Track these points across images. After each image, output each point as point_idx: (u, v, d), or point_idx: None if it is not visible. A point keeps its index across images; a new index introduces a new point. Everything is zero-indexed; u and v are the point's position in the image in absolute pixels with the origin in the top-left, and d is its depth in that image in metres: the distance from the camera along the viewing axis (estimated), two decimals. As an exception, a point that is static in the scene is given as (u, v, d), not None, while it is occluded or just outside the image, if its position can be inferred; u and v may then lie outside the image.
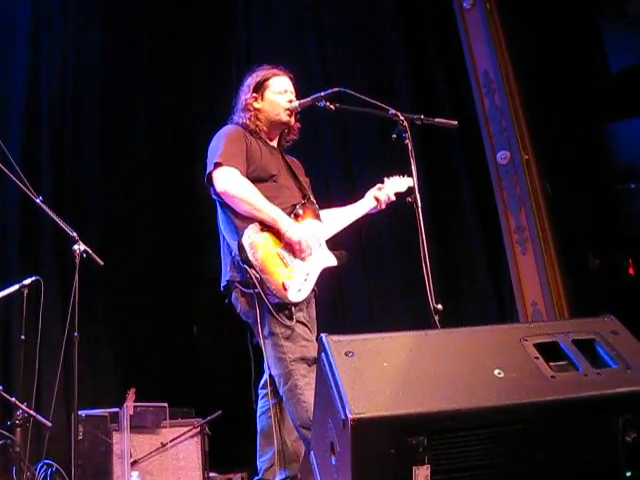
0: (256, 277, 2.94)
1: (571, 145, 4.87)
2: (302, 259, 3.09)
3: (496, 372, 1.91)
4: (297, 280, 3.03)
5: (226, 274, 3.17)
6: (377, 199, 3.57)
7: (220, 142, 3.24)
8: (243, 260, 2.97)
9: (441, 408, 1.81)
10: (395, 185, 3.59)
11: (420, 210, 2.94)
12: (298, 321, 3.03)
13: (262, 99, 3.41)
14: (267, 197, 3.11)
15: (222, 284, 3.20)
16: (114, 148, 6.42)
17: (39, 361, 4.62)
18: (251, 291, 2.99)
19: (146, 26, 6.78)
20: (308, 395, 2.92)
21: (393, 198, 3.59)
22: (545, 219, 4.70)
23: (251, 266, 2.95)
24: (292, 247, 3.08)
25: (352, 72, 5.62)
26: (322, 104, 3.29)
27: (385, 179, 3.63)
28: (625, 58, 4.91)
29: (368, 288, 5.36)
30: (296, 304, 3.02)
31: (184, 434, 4.89)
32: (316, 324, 3.28)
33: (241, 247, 2.98)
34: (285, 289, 2.96)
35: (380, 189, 3.60)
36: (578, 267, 4.78)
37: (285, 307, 3.00)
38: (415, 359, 1.92)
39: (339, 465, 1.83)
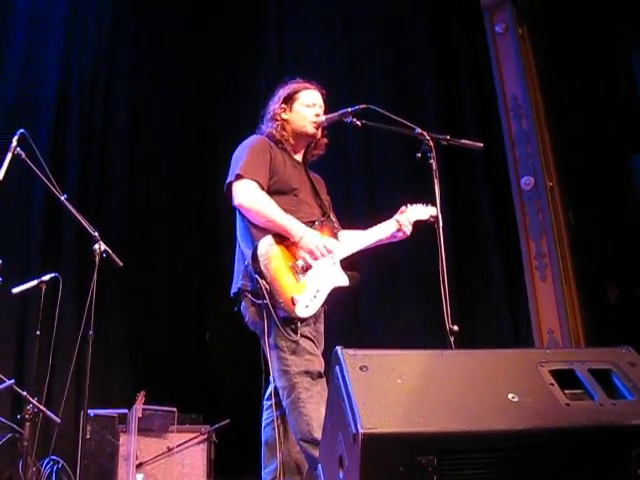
0: (266, 288, 2.93)
1: (596, 174, 4.84)
2: (311, 266, 3.08)
3: (510, 396, 1.89)
4: (306, 296, 3.03)
5: (237, 282, 3.18)
6: (398, 222, 3.49)
7: (244, 152, 3.24)
8: (255, 270, 2.97)
9: (453, 429, 1.79)
10: (417, 212, 3.49)
11: (441, 230, 2.94)
12: (303, 335, 3.02)
13: (290, 110, 3.41)
14: (285, 210, 3.12)
15: (233, 291, 3.21)
16: (140, 151, 6.49)
17: (52, 357, 4.66)
18: (260, 302, 2.99)
19: (177, 25, 6.86)
20: (310, 409, 2.93)
21: (412, 222, 3.48)
22: (566, 247, 4.67)
23: (262, 277, 2.95)
24: (308, 257, 3.07)
25: (380, 90, 5.64)
26: (349, 120, 3.27)
27: (408, 205, 3.54)
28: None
29: (384, 306, 5.35)
30: (302, 320, 3.01)
31: (191, 440, 4.90)
32: (324, 339, 3.27)
33: (255, 257, 2.98)
34: (293, 303, 2.96)
35: (402, 212, 3.53)
36: (597, 297, 4.74)
37: (291, 321, 2.99)
38: (429, 378, 1.91)
39: (347, 479, 1.83)
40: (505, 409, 1.86)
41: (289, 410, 3.01)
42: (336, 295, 3.18)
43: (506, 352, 2.10)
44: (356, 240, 3.41)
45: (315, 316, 3.13)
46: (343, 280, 3.22)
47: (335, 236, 3.32)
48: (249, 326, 3.18)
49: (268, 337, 3.02)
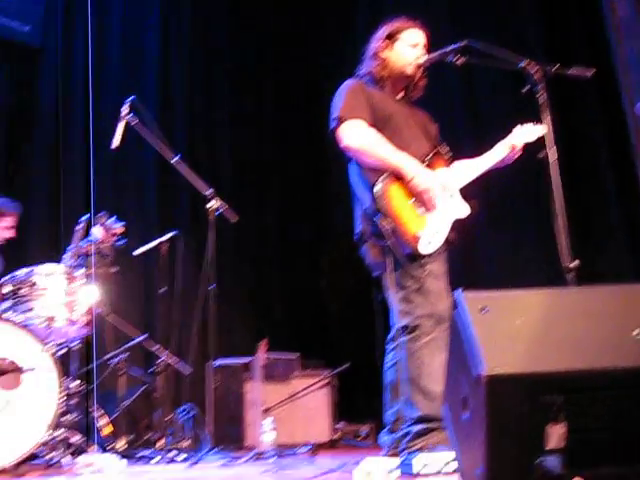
0: (389, 228, 2.94)
1: None
2: (427, 209, 3.07)
3: (635, 332, 1.86)
4: (428, 231, 3.01)
5: (357, 226, 3.20)
6: (512, 145, 3.42)
7: (341, 97, 3.23)
8: (377, 211, 2.96)
9: (576, 367, 1.78)
10: (525, 135, 3.42)
11: (554, 165, 2.84)
12: (430, 274, 3.02)
13: (391, 49, 3.36)
14: (395, 146, 3.09)
15: (355, 237, 3.23)
16: (245, 103, 6.59)
17: (180, 312, 4.86)
18: (383, 242, 3.00)
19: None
20: (424, 353, 2.95)
21: (519, 148, 3.42)
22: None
23: (384, 216, 2.95)
24: (419, 196, 3.06)
25: (481, 20, 5.44)
26: (450, 58, 3.20)
27: (517, 127, 3.45)
28: None
29: (497, 244, 5.24)
30: (426, 256, 3.00)
31: (313, 385, 5.04)
32: (447, 280, 3.22)
33: (374, 198, 2.98)
34: (416, 240, 2.95)
35: (512, 136, 3.45)
36: None
37: (416, 259, 2.99)
38: (550, 317, 1.89)
39: (472, 420, 1.85)
40: (630, 346, 1.82)
41: (403, 349, 3.02)
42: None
43: (629, 287, 2.03)
44: (468, 169, 3.36)
45: (438, 253, 3.10)
46: (463, 211, 3.20)
47: (448, 166, 3.29)
48: (371, 269, 3.21)
49: (392, 278, 3.03)
